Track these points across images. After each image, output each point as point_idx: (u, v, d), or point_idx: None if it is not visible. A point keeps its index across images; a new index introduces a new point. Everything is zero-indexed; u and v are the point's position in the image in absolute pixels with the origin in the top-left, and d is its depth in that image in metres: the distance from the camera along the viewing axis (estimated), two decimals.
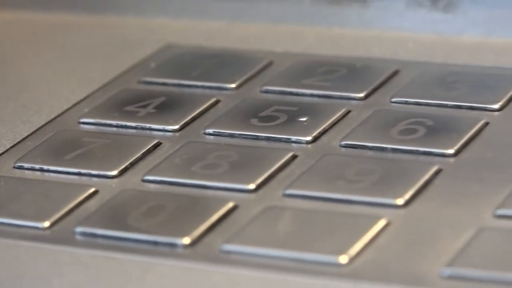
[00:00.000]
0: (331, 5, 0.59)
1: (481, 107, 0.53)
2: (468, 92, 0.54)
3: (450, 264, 0.42)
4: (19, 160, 0.53)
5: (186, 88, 0.58)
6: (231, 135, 0.53)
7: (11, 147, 0.54)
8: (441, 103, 0.53)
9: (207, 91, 0.57)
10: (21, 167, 0.53)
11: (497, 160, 0.49)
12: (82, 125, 0.56)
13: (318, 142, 0.52)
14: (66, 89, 0.59)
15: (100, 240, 0.47)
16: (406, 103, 0.54)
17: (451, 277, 0.42)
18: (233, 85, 0.56)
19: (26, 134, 0.55)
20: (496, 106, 0.52)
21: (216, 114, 0.55)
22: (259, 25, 0.61)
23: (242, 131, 0.53)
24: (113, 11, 0.64)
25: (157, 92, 0.57)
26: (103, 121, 0.56)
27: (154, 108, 0.55)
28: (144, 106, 0.56)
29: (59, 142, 0.54)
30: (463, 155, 0.50)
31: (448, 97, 0.54)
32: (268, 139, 0.52)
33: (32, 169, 0.53)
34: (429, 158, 0.50)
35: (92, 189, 0.50)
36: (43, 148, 0.54)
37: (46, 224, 0.48)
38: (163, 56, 0.60)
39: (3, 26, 0.66)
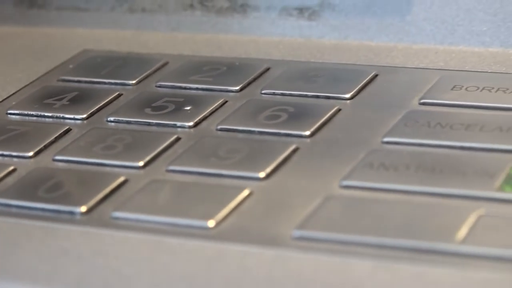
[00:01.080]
0: (217, 15, 0.59)
1: (335, 96, 0.53)
2: (325, 84, 0.54)
3: (300, 227, 0.42)
4: None
5: (96, 85, 0.57)
6: (128, 122, 0.52)
7: None
8: (302, 94, 0.53)
9: (112, 86, 0.57)
10: None
11: (346, 140, 0.49)
12: (9, 116, 0.55)
13: (199, 127, 0.51)
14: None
15: (14, 210, 0.47)
16: (274, 94, 0.54)
17: (301, 238, 0.42)
18: (133, 82, 0.56)
19: None
20: (347, 96, 0.52)
21: (118, 105, 0.54)
22: (158, 33, 0.61)
23: (137, 118, 0.53)
24: (39, 23, 0.63)
25: (72, 88, 0.57)
26: (26, 112, 0.55)
27: (68, 101, 0.55)
28: (60, 99, 0.56)
29: None
30: (318, 136, 0.49)
31: (309, 89, 0.53)
32: (157, 125, 0.52)
33: None
34: (289, 138, 0.50)
35: (11, 167, 0.50)
36: None
37: None
38: (80, 60, 0.59)
39: None
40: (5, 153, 0.52)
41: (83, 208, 0.46)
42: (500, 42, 0.54)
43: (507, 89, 0.51)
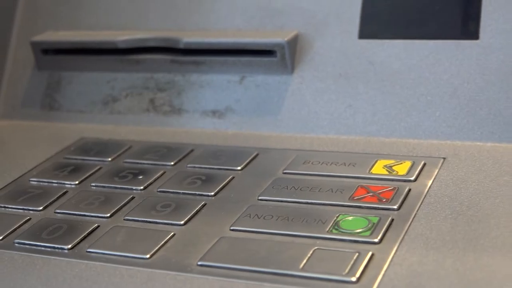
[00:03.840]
0: (163, 116, 0.60)
1: (231, 168, 0.52)
2: (226, 160, 0.54)
3: (202, 258, 0.42)
4: None
5: (86, 161, 0.56)
6: (103, 187, 0.52)
7: None
8: (211, 167, 0.53)
9: (96, 162, 0.56)
10: None
11: (235, 198, 0.48)
12: (30, 182, 0.54)
13: (146, 190, 0.51)
14: (26, 162, 0.56)
15: (26, 246, 0.46)
16: (194, 167, 0.53)
17: (202, 266, 0.41)
18: (109, 159, 0.56)
19: None
20: (239, 168, 0.52)
21: (99, 175, 0.55)
22: (128, 127, 0.61)
23: (109, 184, 0.52)
24: (54, 120, 0.63)
25: (71, 164, 0.56)
26: (41, 180, 0.54)
27: (67, 172, 0.54)
28: (63, 171, 0.55)
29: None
30: (218, 195, 0.49)
31: (216, 163, 0.53)
32: (121, 188, 0.52)
33: None
34: (200, 197, 0.49)
35: (28, 217, 0.49)
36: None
37: None
38: (78, 144, 0.59)
39: None
40: (25, 207, 0.51)
41: (69, 246, 0.45)
42: (335, 131, 0.54)
43: (338, 162, 0.50)
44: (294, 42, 0.56)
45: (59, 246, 0.45)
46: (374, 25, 0.55)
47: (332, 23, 0.56)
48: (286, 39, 0.55)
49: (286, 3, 0.57)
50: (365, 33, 0.55)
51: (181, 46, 0.59)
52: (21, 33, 0.66)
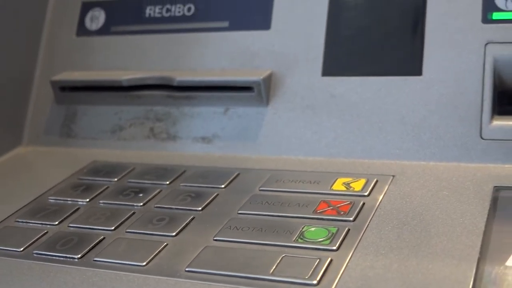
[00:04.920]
0: (161, 142, 0.58)
1: (216, 186, 0.51)
2: (213, 179, 0.53)
3: (189, 265, 0.41)
4: None
5: (96, 181, 0.55)
6: (110, 203, 0.51)
7: None
8: (201, 185, 0.52)
9: (105, 182, 0.55)
10: None
11: (215, 211, 0.47)
12: (49, 200, 0.53)
13: (145, 206, 0.51)
14: (46, 182, 0.56)
15: (43, 256, 0.45)
16: (186, 186, 0.53)
17: (190, 271, 0.41)
18: (115, 179, 0.55)
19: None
20: (222, 186, 0.51)
21: (107, 193, 0.54)
22: (132, 152, 0.60)
23: (115, 201, 0.52)
24: (71, 146, 0.62)
25: (84, 183, 0.55)
26: (58, 198, 0.53)
27: (80, 191, 0.53)
28: (76, 190, 0.54)
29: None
30: (205, 210, 0.48)
31: (205, 182, 0.52)
32: (124, 205, 0.51)
33: None
34: (190, 211, 0.48)
35: (45, 231, 0.48)
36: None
37: None
38: (90, 166, 0.58)
39: None
40: (43, 222, 0.50)
41: (79, 255, 0.44)
42: (303, 153, 0.53)
43: (304, 180, 0.50)
44: (268, 80, 0.56)
45: (70, 256, 0.44)
46: (334, 65, 0.55)
47: (300, 63, 0.56)
48: (261, 77, 0.55)
49: (262, 47, 0.57)
50: (327, 71, 0.55)
51: (175, 83, 0.58)
52: (43, 74, 0.66)
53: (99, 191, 0.54)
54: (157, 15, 0.62)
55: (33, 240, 0.47)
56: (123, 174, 0.56)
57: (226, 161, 0.55)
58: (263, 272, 0.39)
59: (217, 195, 0.50)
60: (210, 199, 0.49)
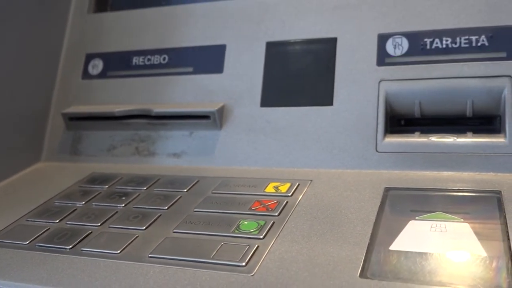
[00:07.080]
0: (144, 157, 0.55)
1: (180, 191, 0.48)
2: (179, 185, 0.50)
3: (152, 252, 0.38)
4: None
5: (92, 188, 0.52)
6: (101, 205, 0.48)
7: None
8: (172, 190, 0.48)
9: (99, 188, 0.52)
10: None
11: (181, 210, 0.44)
12: (55, 203, 0.49)
13: (126, 206, 0.47)
14: (55, 189, 0.52)
15: (43, 247, 0.42)
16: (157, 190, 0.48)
17: (152, 257, 0.38)
18: (106, 186, 0.52)
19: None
20: (185, 190, 0.48)
21: (99, 197, 0.50)
22: (121, 164, 0.57)
23: (105, 203, 0.48)
24: (76, 162, 0.59)
25: (82, 190, 0.52)
26: (61, 202, 0.49)
27: (79, 196, 0.50)
28: (75, 196, 0.51)
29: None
30: (170, 209, 0.45)
31: (172, 187, 0.49)
32: (109, 205, 0.48)
33: None
34: (159, 210, 0.45)
35: (48, 227, 0.44)
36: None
37: None
38: (89, 177, 0.55)
39: None
40: (47, 221, 0.46)
41: (70, 246, 0.41)
42: (247, 164, 0.51)
43: (245, 185, 0.48)
44: (221, 110, 0.53)
45: (63, 247, 0.41)
46: (270, 98, 0.53)
47: (244, 98, 0.53)
48: (216, 108, 0.53)
49: (217, 87, 0.55)
50: (264, 103, 0.53)
51: (153, 113, 0.56)
52: (56, 108, 0.63)
53: (93, 195, 0.51)
54: (140, 63, 0.60)
55: (38, 235, 0.44)
56: (113, 182, 0.53)
57: (190, 171, 0.53)
58: (206, 256, 0.36)
59: (180, 197, 0.47)
60: (175, 200, 0.47)
